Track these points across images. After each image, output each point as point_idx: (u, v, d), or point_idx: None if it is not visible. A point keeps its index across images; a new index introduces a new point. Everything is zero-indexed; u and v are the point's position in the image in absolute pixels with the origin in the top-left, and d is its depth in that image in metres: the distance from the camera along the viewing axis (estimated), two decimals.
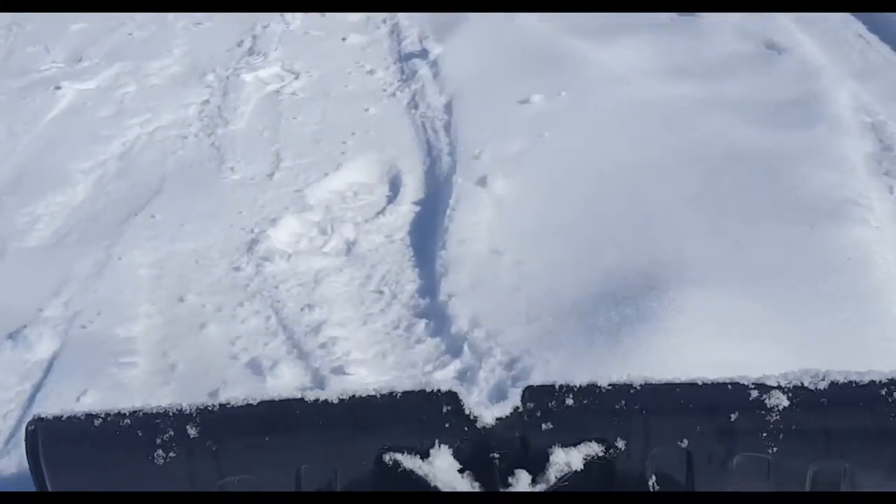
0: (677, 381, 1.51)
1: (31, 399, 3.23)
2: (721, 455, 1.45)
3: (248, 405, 1.52)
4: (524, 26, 6.76)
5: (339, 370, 3.22)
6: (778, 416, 1.44)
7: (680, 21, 6.55)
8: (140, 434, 1.48)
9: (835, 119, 4.87)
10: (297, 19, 7.72)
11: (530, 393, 1.53)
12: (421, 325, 3.56)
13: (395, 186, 4.94)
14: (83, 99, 6.21)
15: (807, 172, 4.27)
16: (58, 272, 4.11)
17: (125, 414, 1.51)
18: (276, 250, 4.21)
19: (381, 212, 4.68)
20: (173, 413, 1.50)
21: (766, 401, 1.46)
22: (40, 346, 3.53)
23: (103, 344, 3.54)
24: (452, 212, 4.29)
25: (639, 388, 1.50)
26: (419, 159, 5.13)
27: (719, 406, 1.46)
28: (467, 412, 1.51)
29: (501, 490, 1.45)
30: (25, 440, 1.52)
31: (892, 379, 1.48)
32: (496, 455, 1.48)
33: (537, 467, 1.50)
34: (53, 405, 2.75)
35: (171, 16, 8.11)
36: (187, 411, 1.50)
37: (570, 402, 1.47)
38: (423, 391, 1.52)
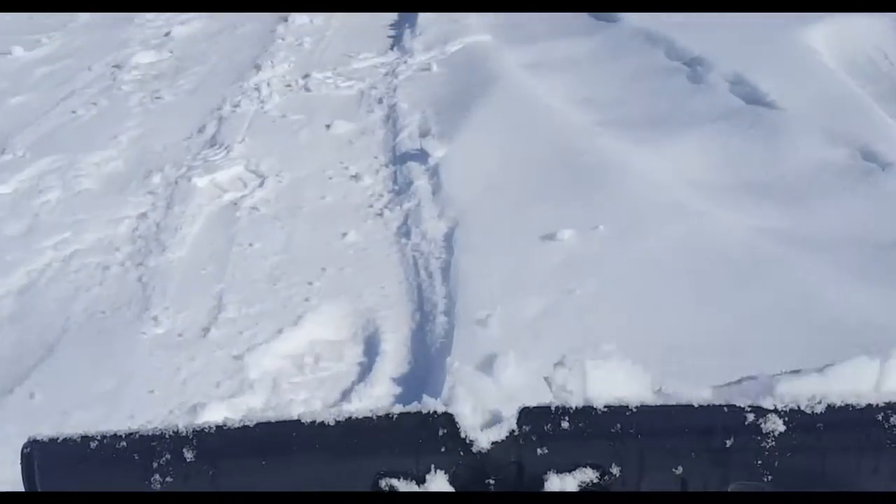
0: (672, 405, 1.42)
1: None
2: (716, 482, 1.39)
3: (245, 427, 1.43)
4: (550, 117, 5.43)
5: None
6: (774, 442, 1.38)
7: (749, 112, 5.20)
8: (136, 457, 1.43)
9: None
10: (274, 96, 6.43)
11: (526, 415, 1.42)
12: None
13: (370, 351, 3.64)
14: None
15: None
16: None
17: (121, 436, 1.43)
18: None
19: (347, 393, 3.38)
20: (169, 435, 1.43)
21: (762, 425, 1.37)
22: None
23: None
24: None
25: (634, 410, 1.42)
26: (406, 314, 3.81)
27: (714, 430, 1.39)
28: (463, 435, 1.41)
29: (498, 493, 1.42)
30: (21, 462, 1.40)
31: (889, 403, 1.37)
32: (491, 481, 1.42)
33: (531, 492, 1.42)
34: None
35: (126, 87, 6.85)
36: (183, 433, 1.42)
37: (565, 424, 1.41)
38: (419, 413, 1.43)
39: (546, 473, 1.42)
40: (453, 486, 1.43)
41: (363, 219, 4.57)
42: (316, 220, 4.59)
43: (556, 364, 1.47)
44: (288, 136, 5.70)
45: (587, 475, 1.41)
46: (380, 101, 6.25)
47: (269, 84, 6.69)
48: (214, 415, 3.15)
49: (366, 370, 3.55)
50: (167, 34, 8.55)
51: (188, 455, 1.44)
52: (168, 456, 1.44)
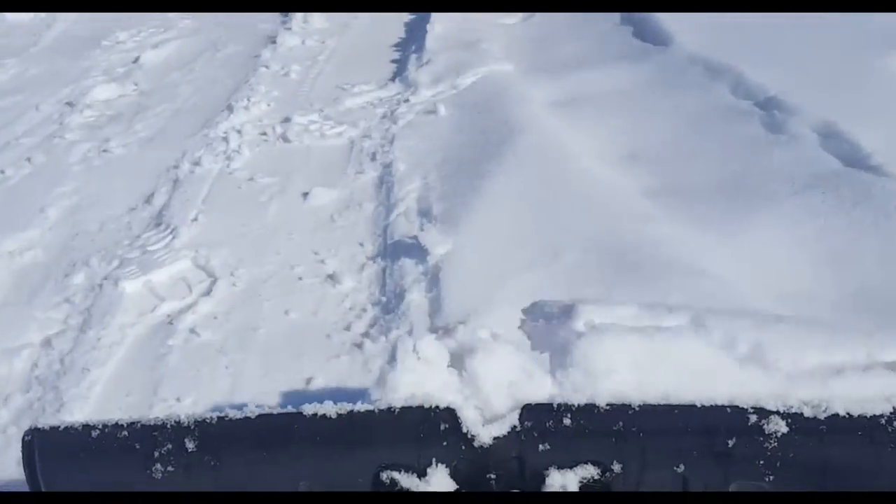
0: (676, 404, 1.46)
1: None
2: (717, 482, 1.43)
3: (247, 419, 1.47)
4: (587, 186, 4.19)
5: None
6: (776, 443, 1.41)
7: (849, 178, 3.92)
8: (138, 447, 1.46)
9: None
10: (244, 150, 5.21)
11: (528, 412, 1.46)
12: None
13: None
14: None
15: None
16: None
17: (123, 425, 1.47)
18: None
19: None
20: (171, 425, 1.46)
21: (765, 426, 1.42)
22: None
23: None
24: None
25: (637, 409, 1.45)
26: None
27: (717, 430, 1.43)
28: (465, 430, 1.46)
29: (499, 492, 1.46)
30: (22, 451, 1.45)
31: (894, 409, 1.43)
32: (493, 476, 1.45)
33: (533, 489, 1.46)
34: None
35: (73, 134, 5.67)
36: (185, 423, 1.46)
37: (567, 421, 1.44)
38: (421, 407, 1.47)
39: (547, 469, 1.44)
40: (454, 481, 1.45)
41: (336, 353, 3.35)
42: (273, 355, 3.37)
43: None
44: (253, 211, 4.48)
45: (588, 472, 1.43)
46: (373, 156, 5.01)
47: (240, 132, 5.47)
48: None
49: None
50: (136, 60, 7.35)
51: (190, 445, 1.45)
52: (170, 446, 1.45)
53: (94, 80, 6.93)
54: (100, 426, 1.48)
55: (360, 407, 1.49)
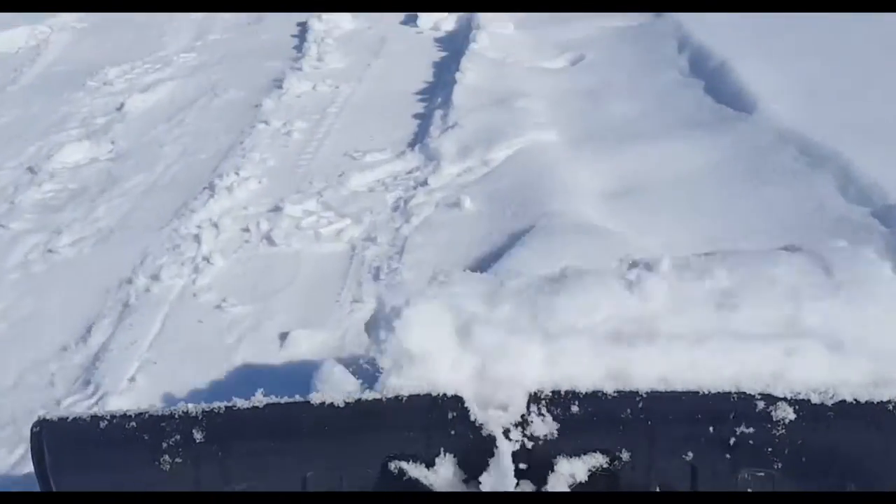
0: (683, 391, 1.45)
1: None
2: (725, 469, 1.42)
3: (255, 408, 1.48)
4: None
5: None
6: (784, 430, 1.42)
7: None
8: (146, 437, 1.46)
9: None
10: (216, 257, 4.15)
11: (536, 399, 1.48)
12: None
13: None
14: None
15: None
16: None
17: (131, 416, 1.48)
18: None
19: None
20: (179, 416, 1.47)
21: (773, 413, 1.42)
22: None
23: None
24: None
25: (644, 396, 1.45)
26: None
27: (724, 417, 1.43)
28: (472, 418, 1.46)
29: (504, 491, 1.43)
30: (31, 441, 1.47)
31: None
32: (500, 463, 1.43)
33: (542, 477, 1.46)
34: None
35: (20, 222, 4.67)
36: (193, 414, 1.47)
37: (575, 409, 1.46)
38: (428, 395, 1.47)
39: (555, 457, 1.44)
40: (462, 469, 1.45)
41: None
42: None
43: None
44: (213, 364, 3.42)
45: (596, 460, 1.44)
46: (376, 273, 3.92)
47: (217, 226, 4.42)
48: None
49: None
50: (120, 107, 6.34)
51: (197, 436, 1.45)
52: (177, 436, 1.45)
53: (68, 134, 5.94)
54: (108, 417, 1.46)
55: (368, 395, 1.47)
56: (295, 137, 5.59)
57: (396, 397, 1.48)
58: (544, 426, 1.47)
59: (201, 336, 3.61)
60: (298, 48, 7.46)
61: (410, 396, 1.48)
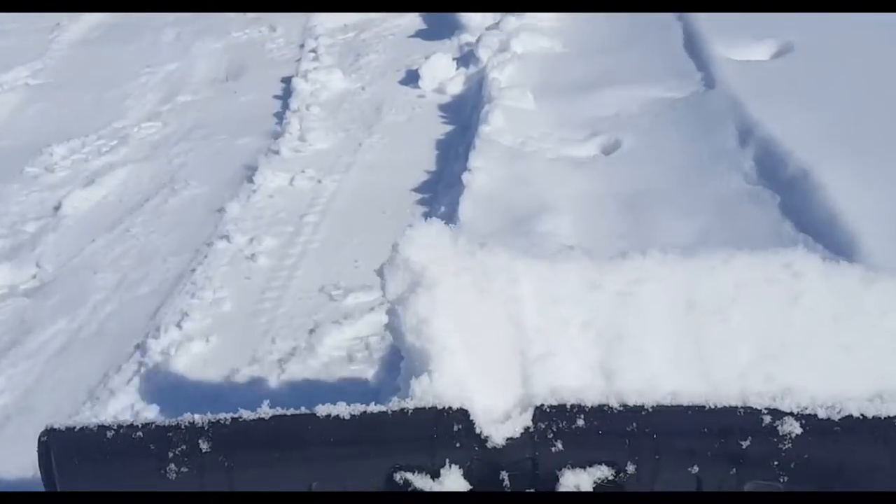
0: (689, 405, 1.48)
1: None
2: (731, 483, 1.45)
3: (260, 419, 1.50)
4: None
5: None
6: (790, 444, 1.43)
7: None
8: (152, 447, 1.49)
9: None
10: None
11: (541, 413, 1.48)
12: None
13: None
14: None
15: None
16: None
17: (138, 426, 1.50)
18: None
19: None
20: (185, 426, 1.50)
21: (779, 427, 1.44)
22: None
23: None
24: None
25: (650, 409, 1.47)
26: None
27: (730, 431, 1.45)
28: (478, 431, 1.47)
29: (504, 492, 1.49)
30: (38, 451, 1.47)
31: None
32: (506, 476, 1.47)
33: (547, 489, 1.49)
34: None
35: None
36: (199, 425, 1.49)
37: (581, 422, 1.47)
38: (434, 408, 1.49)
39: (561, 470, 1.46)
40: (468, 481, 1.47)
41: None
42: None
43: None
44: None
45: (602, 472, 1.45)
46: None
47: None
48: None
49: None
50: (57, 208, 5.24)
51: (204, 446, 1.46)
52: (184, 447, 1.47)
53: None
54: (115, 427, 1.49)
55: (373, 408, 1.50)
56: (261, 263, 4.46)
57: (402, 410, 1.48)
58: (550, 439, 1.46)
59: None
60: (279, 117, 6.33)
61: (416, 409, 1.48)
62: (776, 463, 1.43)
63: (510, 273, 1.54)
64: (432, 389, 1.49)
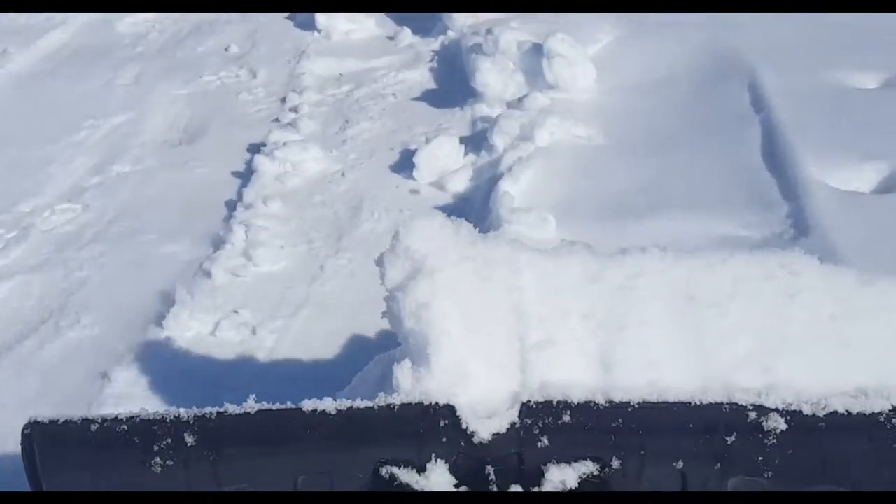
0: (674, 401, 1.48)
1: None
2: (716, 478, 1.46)
3: (246, 414, 1.50)
4: None
5: None
6: (775, 440, 1.43)
7: None
8: (137, 441, 1.49)
9: None
10: None
11: (527, 409, 1.50)
12: None
13: None
14: None
15: None
16: None
17: (122, 419, 1.50)
18: None
19: None
20: (170, 420, 1.50)
21: (764, 423, 1.44)
22: None
23: None
24: None
25: (636, 406, 1.48)
26: None
27: (716, 427, 1.45)
28: (464, 426, 1.49)
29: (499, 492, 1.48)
30: (21, 444, 1.49)
31: (894, 407, 1.46)
32: (491, 471, 1.48)
33: (532, 484, 1.49)
34: None
35: None
36: (184, 418, 1.49)
37: (566, 418, 1.47)
38: (420, 404, 1.50)
39: (546, 465, 1.46)
40: (454, 477, 1.46)
41: None
42: None
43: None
44: None
45: (587, 468, 1.46)
46: None
47: None
48: None
49: None
50: None
51: (189, 440, 1.47)
52: (169, 440, 1.47)
53: None
54: (99, 420, 1.47)
55: (360, 403, 1.48)
56: None
57: (388, 405, 1.47)
58: (535, 435, 1.46)
59: None
60: (229, 209, 4.88)
61: (402, 405, 1.47)
62: (760, 459, 1.42)
63: (512, 263, 1.55)
64: (425, 375, 1.47)
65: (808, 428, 1.44)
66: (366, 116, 5.95)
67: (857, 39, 5.50)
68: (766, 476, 1.43)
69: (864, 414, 1.44)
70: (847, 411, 1.45)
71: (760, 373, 1.48)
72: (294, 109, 6.12)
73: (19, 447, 1.59)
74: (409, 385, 1.52)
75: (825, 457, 1.44)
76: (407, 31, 7.12)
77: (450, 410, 1.48)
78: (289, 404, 1.48)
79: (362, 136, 5.66)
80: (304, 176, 5.19)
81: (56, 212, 4.97)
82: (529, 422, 1.48)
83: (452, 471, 1.47)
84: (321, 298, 4.07)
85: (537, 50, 5.77)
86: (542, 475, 1.46)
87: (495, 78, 5.70)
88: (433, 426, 1.47)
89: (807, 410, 1.45)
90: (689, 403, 1.47)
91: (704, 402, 1.47)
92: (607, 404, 1.48)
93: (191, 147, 5.78)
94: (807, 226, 3.94)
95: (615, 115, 5.42)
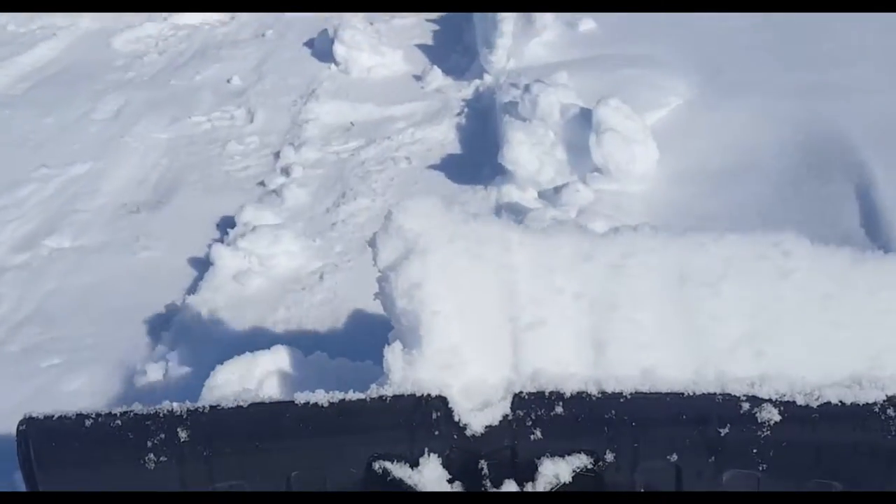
0: (668, 392, 1.46)
1: None
2: (710, 470, 1.44)
3: (239, 407, 1.49)
4: None
5: None
6: (769, 431, 1.42)
7: None
8: (131, 436, 1.48)
9: None
10: None
11: (520, 400, 1.48)
12: None
13: None
14: None
15: None
16: None
17: (116, 415, 1.50)
18: None
19: None
20: (164, 415, 1.49)
21: (758, 415, 1.42)
22: None
23: None
24: None
25: (629, 397, 1.46)
26: None
27: (710, 418, 1.44)
28: (457, 419, 1.47)
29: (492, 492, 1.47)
30: (16, 440, 1.48)
31: (889, 397, 1.44)
32: (484, 464, 1.46)
33: (526, 478, 1.47)
34: None
35: None
36: (178, 413, 1.49)
37: (559, 410, 1.45)
38: (413, 395, 1.49)
39: (540, 458, 1.44)
40: (447, 470, 1.44)
41: None
42: None
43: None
44: None
45: (581, 461, 1.43)
46: None
47: None
48: None
49: None
50: None
51: (182, 434, 1.46)
52: (162, 435, 1.46)
53: None
54: (93, 415, 1.46)
55: (352, 395, 1.46)
56: None
57: (381, 397, 1.47)
58: (529, 427, 1.45)
59: None
60: (160, 325, 3.79)
61: (394, 397, 1.46)
62: (755, 451, 1.41)
63: (504, 242, 1.55)
64: (417, 358, 1.46)
65: (801, 419, 1.41)
66: (368, 188, 4.80)
67: None
68: (760, 468, 1.41)
69: (858, 404, 1.42)
70: (841, 402, 1.42)
71: (753, 356, 1.47)
72: (285, 171, 5.01)
73: None
74: (401, 368, 1.50)
75: (819, 448, 1.42)
76: (437, 71, 5.95)
77: (442, 402, 1.46)
78: (281, 398, 1.47)
79: (356, 219, 4.52)
80: (270, 276, 4.07)
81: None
82: (522, 413, 1.47)
83: (446, 465, 1.45)
84: None
85: (585, 117, 4.55)
86: (536, 469, 1.44)
87: (529, 154, 4.49)
88: (426, 418, 1.45)
89: (800, 401, 1.43)
90: (683, 394, 1.45)
91: (698, 393, 1.45)
92: (600, 395, 1.46)
93: (150, 216, 4.72)
94: None
95: (679, 216, 4.19)
